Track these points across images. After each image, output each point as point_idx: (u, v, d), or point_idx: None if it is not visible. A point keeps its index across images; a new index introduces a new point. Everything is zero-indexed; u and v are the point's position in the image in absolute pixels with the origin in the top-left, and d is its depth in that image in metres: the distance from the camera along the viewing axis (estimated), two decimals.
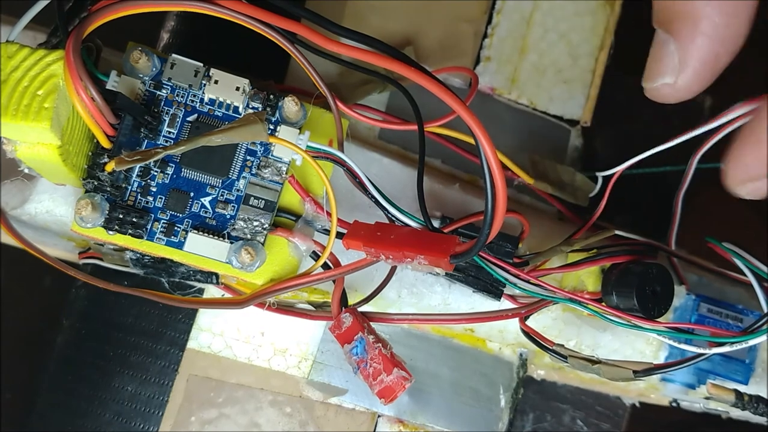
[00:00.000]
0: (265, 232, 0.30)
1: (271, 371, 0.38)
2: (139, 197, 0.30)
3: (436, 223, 0.34)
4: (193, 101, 0.30)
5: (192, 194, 0.30)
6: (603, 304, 0.33)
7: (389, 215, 0.31)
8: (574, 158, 0.42)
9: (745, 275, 0.33)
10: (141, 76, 0.30)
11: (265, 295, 0.31)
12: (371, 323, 0.32)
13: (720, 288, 0.40)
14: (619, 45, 0.42)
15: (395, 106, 0.38)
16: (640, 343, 0.39)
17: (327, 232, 0.32)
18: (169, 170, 0.30)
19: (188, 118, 0.30)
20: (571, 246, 0.34)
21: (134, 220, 0.29)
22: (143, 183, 0.30)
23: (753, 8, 0.28)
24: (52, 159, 0.27)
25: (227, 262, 0.30)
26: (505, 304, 0.34)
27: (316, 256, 0.32)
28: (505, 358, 0.41)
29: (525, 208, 0.41)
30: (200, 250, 0.30)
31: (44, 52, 0.26)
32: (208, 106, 0.31)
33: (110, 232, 0.30)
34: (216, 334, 0.38)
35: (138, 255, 0.32)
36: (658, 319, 0.33)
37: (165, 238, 0.30)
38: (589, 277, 0.35)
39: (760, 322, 0.31)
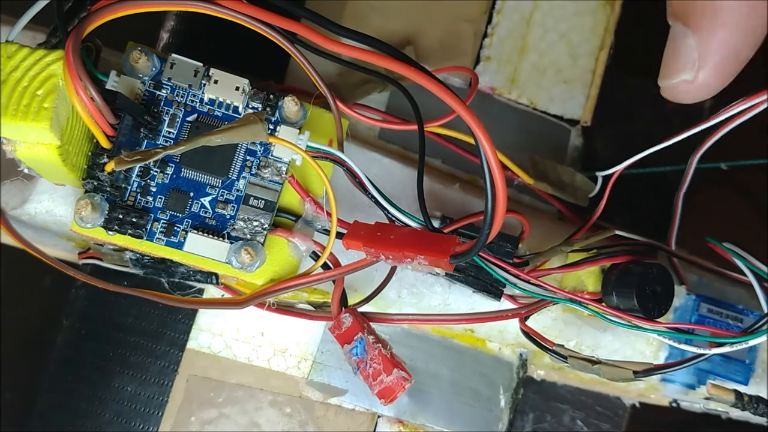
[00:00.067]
0: (265, 232, 0.30)
1: (271, 371, 0.38)
2: (138, 197, 0.30)
3: (436, 223, 0.34)
4: (192, 101, 0.30)
5: (192, 194, 0.30)
6: (603, 304, 0.33)
7: (389, 215, 0.31)
8: (574, 158, 0.42)
9: (745, 275, 0.33)
10: (141, 76, 0.30)
11: (265, 296, 0.31)
12: (371, 323, 0.32)
13: (720, 288, 0.40)
14: (619, 45, 0.42)
15: (395, 106, 0.38)
16: (640, 344, 0.39)
17: (327, 232, 0.32)
18: (169, 170, 0.30)
19: (188, 118, 0.30)
20: (571, 246, 0.34)
21: (134, 220, 0.29)
22: (143, 183, 0.30)
23: None
24: (52, 159, 0.27)
25: (227, 263, 0.30)
26: (505, 304, 0.34)
27: (316, 256, 0.32)
28: (505, 359, 0.41)
29: (525, 208, 0.41)
30: (200, 250, 0.30)
31: (44, 52, 0.26)
32: (208, 106, 0.31)
33: (110, 233, 0.30)
34: (216, 334, 0.38)
35: (138, 255, 0.32)
36: (658, 320, 0.33)
37: (165, 239, 0.30)
38: (589, 278, 0.35)
39: (760, 323, 0.31)
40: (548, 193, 0.39)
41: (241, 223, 0.30)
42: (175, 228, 0.30)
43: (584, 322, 0.38)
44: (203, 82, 0.30)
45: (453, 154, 0.38)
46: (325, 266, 0.32)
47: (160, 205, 0.30)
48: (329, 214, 0.31)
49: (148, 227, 0.30)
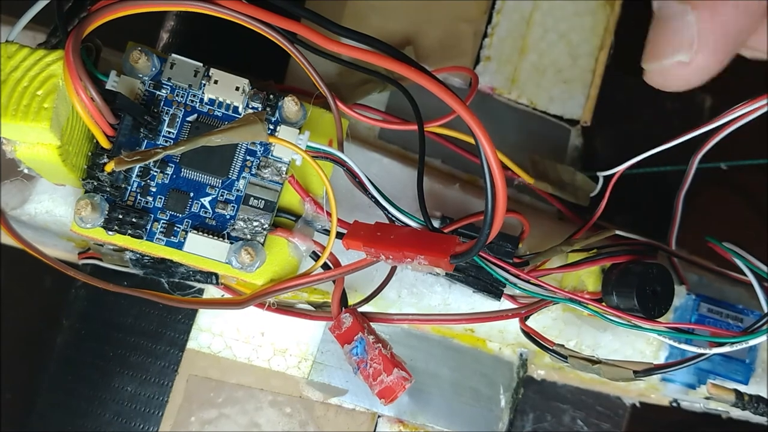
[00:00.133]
0: (265, 232, 0.30)
1: (271, 371, 0.38)
2: (138, 197, 0.30)
3: (436, 223, 0.34)
4: (192, 101, 0.30)
5: (192, 194, 0.30)
6: (603, 304, 0.33)
7: (389, 215, 0.31)
8: (574, 158, 0.42)
9: (745, 275, 0.33)
10: (140, 76, 0.30)
11: (265, 296, 0.31)
12: (371, 323, 0.32)
13: (720, 288, 0.40)
14: (619, 45, 0.42)
15: (395, 106, 0.38)
16: (641, 343, 0.39)
17: (327, 232, 0.32)
18: (169, 170, 0.30)
19: (188, 118, 0.30)
20: (571, 246, 0.34)
21: (134, 220, 0.29)
22: (143, 183, 0.30)
23: None
24: (52, 159, 0.27)
25: (227, 263, 0.30)
26: (505, 304, 0.34)
27: (316, 257, 0.32)
28: (506, 358, 0.41)
29: (525, 208, 0.41)
30: (200, 250, 0.30)
31: (44, 52, 0.26)
32: (208, 106, 0.31)
33: (110, 233, 0.30)
34: (216, 334, 0.38)
35: (138, 255, 0.32)
36: (658, 319, 0.33)
37: (165, 239, 0.30)
38: (589, 277, 0.35)
39: (761, 322, 0.31)
40: (548, 193, 0.39)
41: (241, 223, 0.30)
42: (175, 228, 0.30)
43: (584, 321, 0.38)
44: (203, 82, 0.30)
45: (453, 154, 0.38)
46: (325, 266, 0.31)
47: (160, 206, 0.30)
48: (329, 214, 0.31)
49: (148, 227, 0.30)
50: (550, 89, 0.41)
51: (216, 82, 0.30)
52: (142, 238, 0.30)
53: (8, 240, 0.31)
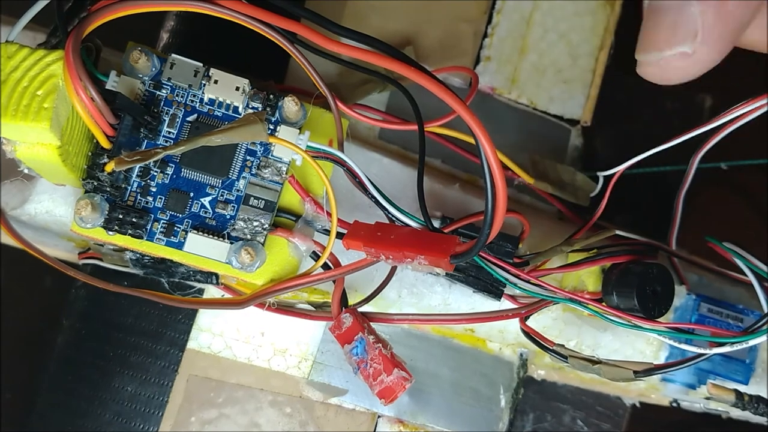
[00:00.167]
0: (265, 232, 0.30)
1: (271, 371, 0.38)
2: (138, 197, 0.30)
3: (436, 223, 0.34)
4: (192, 101, 0.30)
5: (192, 194, 0.30)
6: (603, 304, 0.33)
7: (389, 215, 0.31)
8: (574, 158, 0.42)
9: (745, 275, 0.33)
10: (141, 76, 0.30)
11: (265, 296, 0.31)
12: (371, 323, 0.32)
13: (720, 288, 0.40)
14: (619, 45, 0.42)
15: (395, 106, 0.38)
16: (641, 343, 0.39)
17: (327, 232, 0.32)
18: (169, 170, 0.30)
19: (188, 118, 0.30)
20: (571, 246, 0.34)
21: (134, 220, 0.29)
22: (143, 183, 0.30)
23: None
24: (52, 159, 0.27)
25: (227, 263, 0.30)
26: (506, 304, 0.34)
27: (316, 257, 0.32)
28: (506, 358, 0.41)
29: (525, 208, 0.41)
30: (200, 250, 0.30)
31: (44, 53, 0.26)
32: (208, 106, 0.31)
33: (110, 233, 0.30)
34: (216, 334, 0.38)
35: (138, 255, 0.32)
36: (658, 319, 0.33)
37: (165, 239, 0.30)
38: (589, 277, 0.35)
39: (761, 322, 0.31)
40: (548, 193, 0.39)
41: (242, 223, 0.30)
42: (175, 228, 0.30)
43: (584, 321, 0.38)
44: (203, 82, 0.30)
45: (453, 154, 0.38)
46: (325, 266, 0.31)
47: (160, 205, 0.30)
48: (329, 214, 0.31)
49: (148, 227, 0.30)
50: (550, 89, 0.41)
51: (216, 82, 0.30)
52: (142, 238, 0.30)
53: (8, 240, 0.31)
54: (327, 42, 0.25)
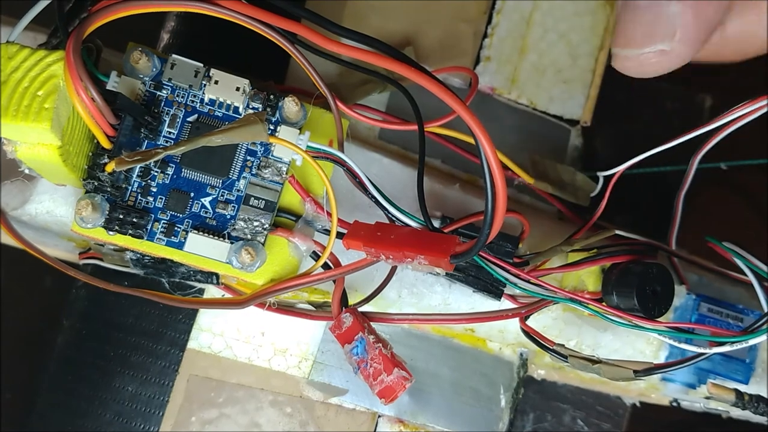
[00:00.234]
0: (265, 232, 0.30)
1: (271, 371, 0.38)
2: (139, 197, 0.30)
3: (436, 223, 0.34)
4: (193, 101, 0.30)
5: (192, 194, 0.30)
6: (603, 303, 0.33)
7: (389, 215, 0.31)
8: (574, 158, 0.42)
9: (745, 275, 0.33)
10: (141, 76, 0.30)
11: (266, 295, 0.31)
12: (371, 323, 0.32)
13: (720, 288, 0.40)
14: None
15: (395, 106, 0.38)
16: (641, 343, 0.39)
17: (327, 232, 0.32)
18: (170, 170, 0.30)
19: (188, 119, 0.30)
20: (571, 246, 0.34)
21: (134, 220, 0.29)
22: (143, 183, 0.30)
23: None
24: (53, 159, 0.27)
25: (227, 263, 0.30)
26: (506, 304, 0.34)
27: (316, 256, 0.32)
28: (506, 358, 0.41)
29: (525, 208, 0.41)
30: (200, 250, 0.30)
31: (44, 53, 0.26)
32: (208, 107, 0.31)
33: (110, 233, 0.30)
34: (216, 334, 0.38)
35: (138, 255, 0.32)
36: (658, 319, 0.33)
37: (165, 239, 0.30)
38: (589, 277, 0.35)
39: (761, 322, 0.31)
40: (548, 193, 0.39)
41: (242, 223, 0.30)
42: (176, 228, 0.30)
43: (584, 321, 0.38)
44: (203, 82, 0.30)
45: (453, 154, 0.38)
46: (325, 266, 0.32)
47: (160, 206, 0.30)
48: (329, 214, 0.31)
49: (149, 227, 0.30)
50: (550, 89, 0.41)
51: (216, 82, 0.30)
52: (142, 238, 0.30)
53: (9, 240, 0.31)
54: (327, 42, 0.25)
